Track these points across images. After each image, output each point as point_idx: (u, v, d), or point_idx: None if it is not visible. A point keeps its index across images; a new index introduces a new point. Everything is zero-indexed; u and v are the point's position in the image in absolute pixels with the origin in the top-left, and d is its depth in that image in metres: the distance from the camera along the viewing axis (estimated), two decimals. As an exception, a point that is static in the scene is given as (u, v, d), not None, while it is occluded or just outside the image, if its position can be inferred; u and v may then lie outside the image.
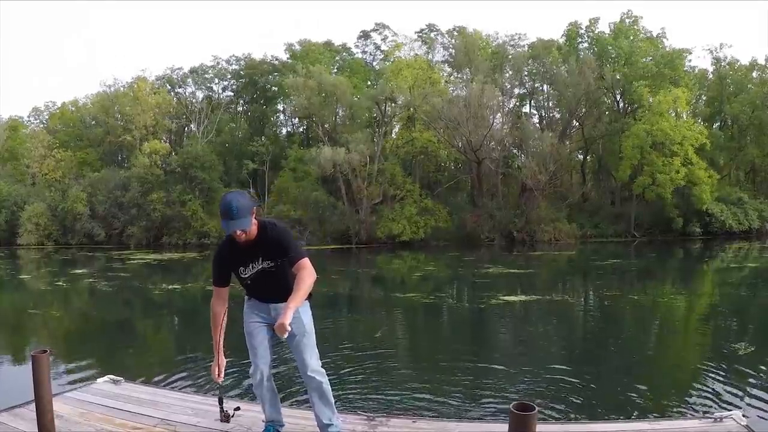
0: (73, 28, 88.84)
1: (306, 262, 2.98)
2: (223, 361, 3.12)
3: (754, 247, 28.65)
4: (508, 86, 40.70)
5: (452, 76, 43.49)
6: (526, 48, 41.77)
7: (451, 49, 42.88)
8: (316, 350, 3.21)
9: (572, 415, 5.09)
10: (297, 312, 2.97)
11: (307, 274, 2.93)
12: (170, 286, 16.91)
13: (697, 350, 8.41)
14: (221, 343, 3.10)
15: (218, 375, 3.13)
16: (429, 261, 25.50)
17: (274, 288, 3.08)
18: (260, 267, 3.04)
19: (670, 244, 31.46)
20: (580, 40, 41.47)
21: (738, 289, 14.74)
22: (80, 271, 21.81)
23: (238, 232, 2.87)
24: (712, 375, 6.46)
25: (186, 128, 46.50)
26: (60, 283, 17.95)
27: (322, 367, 3.22)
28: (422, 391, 5.98)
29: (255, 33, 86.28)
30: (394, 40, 44.07)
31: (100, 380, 4.63)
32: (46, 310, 12.77)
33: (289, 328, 2.75)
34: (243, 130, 45.92)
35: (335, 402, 3.30)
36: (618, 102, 38.91)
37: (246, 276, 3.08)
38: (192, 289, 16.77)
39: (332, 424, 3.19)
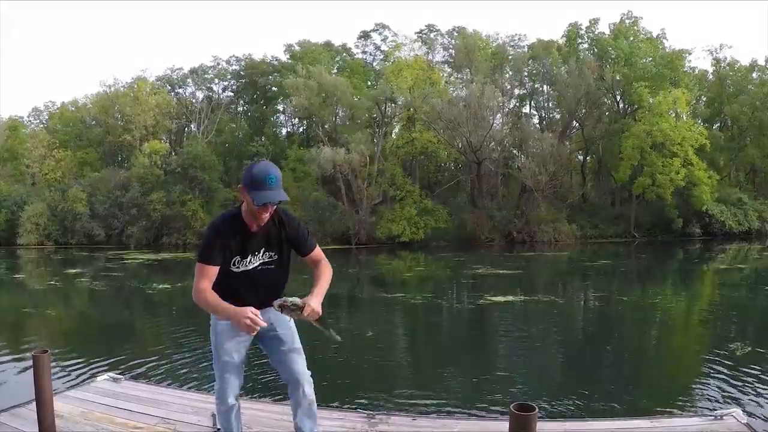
0: (73, 28, 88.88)
1: (320, 251, 2.82)
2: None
3: (753, 248, 28.65)
4: (508, 87, 40.71)
5: (452, 77, 43.52)
6: (526, 48, 41.86)
7: (451, 50, 42.93)
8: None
9: (572, 413, 5.09)
10: (285, 317, 2.71)
11: (328, 267, 2.79)
12: (165, 286, 16.92)
13: (696, 349, 8.41)
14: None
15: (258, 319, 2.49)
16: (428, 262, 25.50)
17: (264, 291, 2.69)
18: (260, 261, 2.68)
19: (669, 244, 31.46)
20: (580, 40, 41.50)
21: (737, 290, 14.74)
22: (78, 270, 21.80)
23: (268, 210, 2.54)
24: (712, 373, 6.47)
25: (186, 128, 46.56)
26: (58, 283, 17.96)
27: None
28: (423, 389, 5.99)
29: (255, 33, 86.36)
30: (394, 40, 44.14)
31: (100, 378, 4.64)
32: (44, 310, 12.77)
33: (319, 311, 2.54)
34: (243, 130, 45.94)
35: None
36: (618, 103, 38.92)
37: (238, 270, 2.64)
38: (187, 288, 16.79)
39: None
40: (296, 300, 2.53)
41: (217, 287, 2.61)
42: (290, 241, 2.73)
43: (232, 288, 2.64)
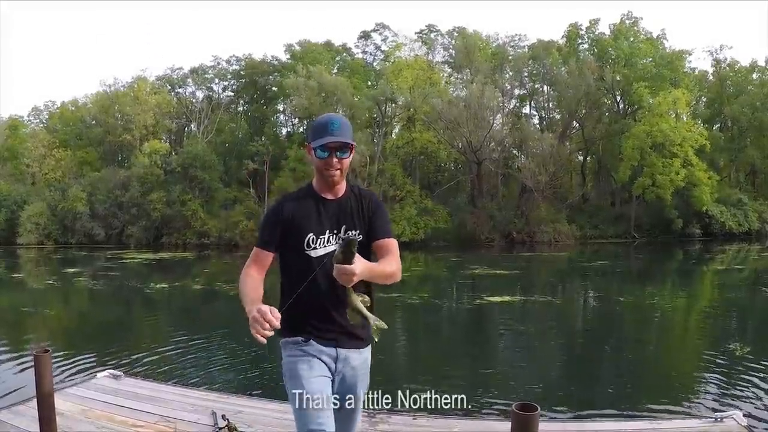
0: (73, 28, 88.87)
1: (396, 246, 2.20)
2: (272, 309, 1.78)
3: (753, 248, 28.64)
4: (508, 87, 40.72)
5: (452, 77, 43.52)
6: (527, 49, 41.82)
7: (451, 50, 42.92)
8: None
9: (572, 414, 5.09)
10: (366, 354, 2.24)
11: (397, 262, 2.14)
12: (164, 285, 16.94)
13: (696, 350, 8.40)
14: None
15: (271, 321, 1.73)
16: (428, 261, 25.50)
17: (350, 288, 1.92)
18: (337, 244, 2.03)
19: (669, 245, 31.45)
20: (580, 41, 41.49)
21: (736, 291, 14.75)
22: (78, 270, 21.79)
23: (335, 163, 2.04)
24: (712, 375, 6.47)
25: (186, 128, 46.54)
26: (58, 283, 17.98)
27: None
28: (423, 388, 5.98)
29: (255, 33, 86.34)
30: (394, 40, 44.10)
31: (100, 375, 4.64)
32: (44, 309, 12.79)
33: (354, 280, 1.80)
34: (243, 130, 45.89)
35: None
36: (618, 103, 38.93)
37: (317, 254, 2.07)
38: (185, 287, 16.89)
39: None
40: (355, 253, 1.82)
41: (295, 282, 2.03)
42: (370, 218, 2.17)
43: (308, 285, 2.02)
